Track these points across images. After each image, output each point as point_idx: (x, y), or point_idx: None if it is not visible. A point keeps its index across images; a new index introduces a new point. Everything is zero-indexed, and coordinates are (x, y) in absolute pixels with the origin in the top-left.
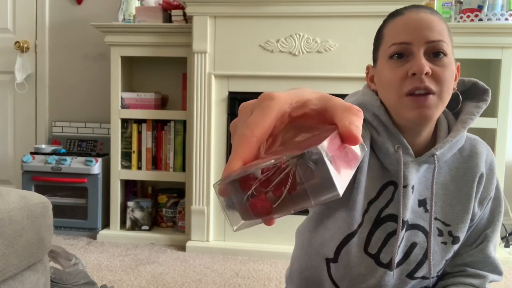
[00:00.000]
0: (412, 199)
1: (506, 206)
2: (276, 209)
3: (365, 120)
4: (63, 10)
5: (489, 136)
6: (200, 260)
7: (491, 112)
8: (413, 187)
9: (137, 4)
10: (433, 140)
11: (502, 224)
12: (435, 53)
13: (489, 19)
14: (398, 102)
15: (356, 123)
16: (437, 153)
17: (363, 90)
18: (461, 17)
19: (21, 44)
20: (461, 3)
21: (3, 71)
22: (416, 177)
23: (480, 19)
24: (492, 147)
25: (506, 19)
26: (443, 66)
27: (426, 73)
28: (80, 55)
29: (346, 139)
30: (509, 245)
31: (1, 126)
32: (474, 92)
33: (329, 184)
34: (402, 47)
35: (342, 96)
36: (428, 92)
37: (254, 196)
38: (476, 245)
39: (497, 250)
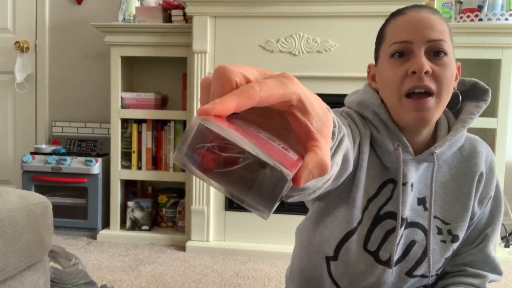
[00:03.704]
0: (411, 197)
1: (506, 206)
2: (215, 174)
3: (365, 118)
4: (63, 10)
5: (489, 136)
6: (200, 260)
7: (491, 112)
8: (412, 185)
9: (137, 4)
10: (433, 139)
11: (502, 224)
12: (435, 52)
13: (489, 19)
14: (398, 103)
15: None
16: (436, 151)
17: (364, 88)
18: (461, 17)
19: (21, 44)
20: (461, 3)
21: (3, 71)
22: (415, 175)
23: (480, 19)
24: (492, 147)
25: (506, 19)
26: (443, 66)
27: (426, 72)
28: (80, 55)
29: (321, 171)
30: (509, 245)
31: (1, 126)
32: (474, 92)
33: (269, 203)
34: (403, 46)
35: (342, 96)
36: (427, 91)
37: (209, 150)
38: (476, 244)
39: (497, 250)
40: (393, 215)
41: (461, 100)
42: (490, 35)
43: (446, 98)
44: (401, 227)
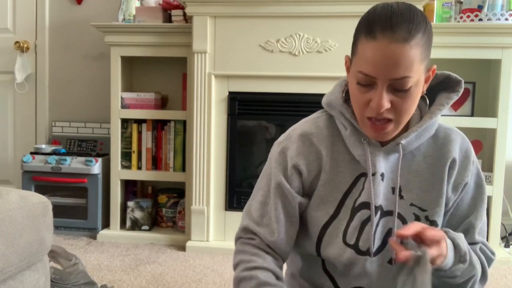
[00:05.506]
0: (384, 187)
1: (506, 206)
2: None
3: (334, 117)
4: (63, 10)
5: (489, 136)
6: (200, 260)
7: (491, 112)
8: (382, 175)
9: (137, 4)
10: (405, 129)
11: (502, 224)
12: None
13: (489, 19)
14: (360, 120)
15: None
16: (402, 142)
17: (332, 89)
18: (461, 17)
19: (21, 44)
20: (461, 3)
21: (3, 71)
22: (385, 165)
23: (480, 19)
24: (492, 147)
25: (506, 19)
26: (405, 98)
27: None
28: (80, 55)
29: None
30: (509, 245)
31: (1, 126)
32: (448, 83)
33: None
34: (367, 79)
35: None
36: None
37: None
38: (460, 232)
39: (497, 250)
40: (366, 205)
41: (436, 90)
42: (490, 35)
43: (406, 120)
44: (375, 215)
